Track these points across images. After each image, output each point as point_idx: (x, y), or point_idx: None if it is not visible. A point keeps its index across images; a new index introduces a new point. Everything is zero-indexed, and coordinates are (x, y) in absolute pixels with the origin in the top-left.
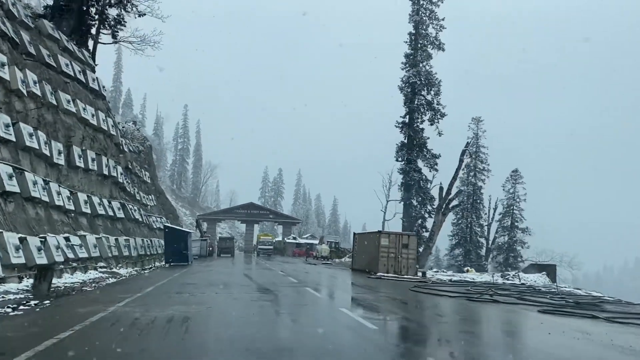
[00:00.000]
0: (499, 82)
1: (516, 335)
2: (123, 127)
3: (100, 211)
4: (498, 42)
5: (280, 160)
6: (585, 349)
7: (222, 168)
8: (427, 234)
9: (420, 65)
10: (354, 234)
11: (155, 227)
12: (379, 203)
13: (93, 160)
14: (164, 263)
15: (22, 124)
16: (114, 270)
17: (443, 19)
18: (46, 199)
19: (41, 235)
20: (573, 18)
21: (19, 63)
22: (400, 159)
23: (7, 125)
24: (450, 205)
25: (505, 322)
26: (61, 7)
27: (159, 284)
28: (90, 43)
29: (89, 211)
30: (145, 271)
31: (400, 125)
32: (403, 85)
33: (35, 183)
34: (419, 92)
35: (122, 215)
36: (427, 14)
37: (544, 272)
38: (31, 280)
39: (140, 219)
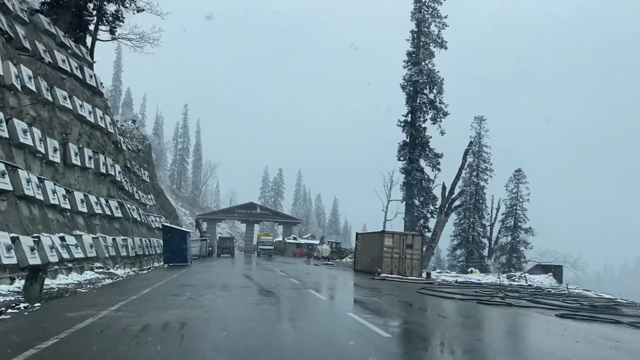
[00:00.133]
0: (499, 81)
1: (545, 345)
2: (122, 126)
3: (98, 210)
4: (498, 41)
5: (280, 159)
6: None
7: (222, 168)
8: (429, 234)
9: (423, 63)
10: (357, 233)
11: (154, 226)
12: (380, 203)
13: (90, 158)
14: (162, 263)
15: (16, 120)
16: (111, 270)
17: (446, 17)
18: (41, 197)
19: (35, 235)
20: (573, 18)
21: (13, 58)
22: (402, 158)
23: None
24: (453, 205)
25: (528, 329)
26: (58, 3)
27: (156, 285)
28: (89, 41)
29: (85, 210)
30: (144, 272)
31: (402, 124)
32: (405, 83)
33: (29, 181)
34: (421, 90)
35: (120, 215)
36: (430, 12)
37: (550, 273)
38: (23, 282)
39: (139, 219)
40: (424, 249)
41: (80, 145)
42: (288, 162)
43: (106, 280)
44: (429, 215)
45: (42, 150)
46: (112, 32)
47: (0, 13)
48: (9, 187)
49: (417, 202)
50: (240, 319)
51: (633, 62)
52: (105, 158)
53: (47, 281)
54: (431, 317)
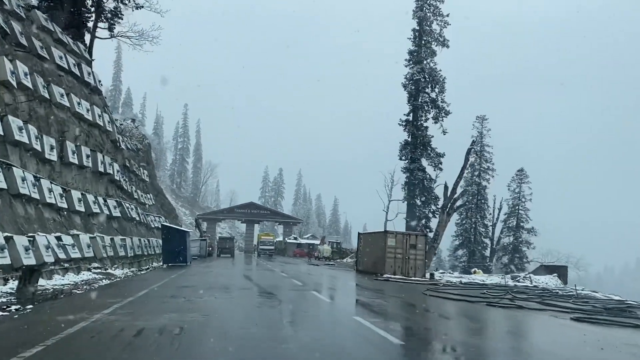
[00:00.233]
0: (499, 81)
1: (572, 353)
2: (121, 125)
3: (95, 209)
4: (498, 41)
5: (281, 159)
6: None
7: (222, 168)
8: (431, 234)
9: (425, 62)
10: (359, 233)
11: (153, 226)
12: (381, 203)
13: (88, 156)
14: (161, 264)
15: (10, 117)
16: (109, 271)
17: (447, 15)
18: (37, 196)
19: (29, 234)
20: (573, 17)
21: (9, 54)
22: (403, 158)
23: None
24: (455, 205)
25: (547, 334)
26: None
27: (153, 286)
28: (88, 39)
29: (82, 209)
30: (142, 272)
31: (403, 123)
32: (407, 82)
33: (24, 179)
34: (423, 89)
35: (119, 214)
36: (432, 10)
37: (555, 274)
38: (17, 283)
39: (138, 218)
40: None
41: (78, 144)
42: (288, 162)
43: (103, 281)
44: (430, 215)
45: (38, 148)
46: (110, 29)
47: None
48: (3, 185)
49: (418, 202)
50: (241, 324)
51: (633, 62)
52: (103, 156)
53: (42, 282)
54: (441, 321)
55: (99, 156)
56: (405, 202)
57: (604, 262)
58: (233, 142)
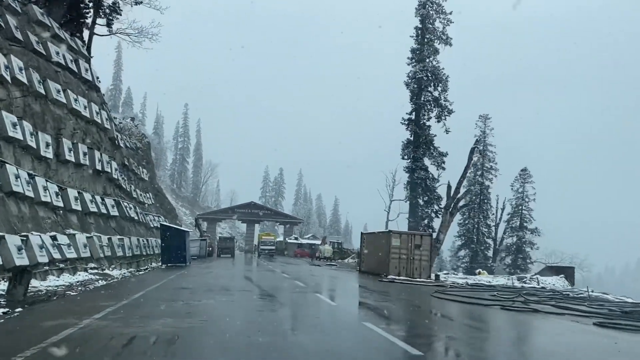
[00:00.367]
0: (499, 81)
1: None
2: (120, 123)
3: (92, 208)
4: (498, 40)
5: (281, 159)
6: None
7: (223, 167)
8: (434, 235)
9: (427, 60)
10: (362, 233)
11: (152, 226)
12: (382, 203)
13: (85, 154)
14: (160, 264)
15: (4, 113)
16: (106, 271)
17: (450, 13)
18: (31, 194)
19: (23, 234)
20: (574, 17)
21: (3, 48)
22: (406, 157)
23: None
24: (459, 205)
25: (577, 342)
26: None
27: (150, 288)
28: (86, 35)
29: (79, 208)
30: (140, 273)
31: (406, 122)
32: (409, 80)
33: (17, 177)
34: (425, 88)
35: (117, 213)
36: (434, 8)
37: (562, 275)
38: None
39: (137, 218)
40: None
41: (75, 141)
42: (288, 162)
43: (99, 282)
44: (433, 215)
45: (33, 145)
46: (109, 24)
47: None
48: None
49: (421, 202)
50: (242, 330)
51: (633, 62)
52: (101, 154)
53: (36, 283)
54: (459, 327)
55: (97, 154)
56: (408, 202)
57: (605, 263)
58: (233, 142)
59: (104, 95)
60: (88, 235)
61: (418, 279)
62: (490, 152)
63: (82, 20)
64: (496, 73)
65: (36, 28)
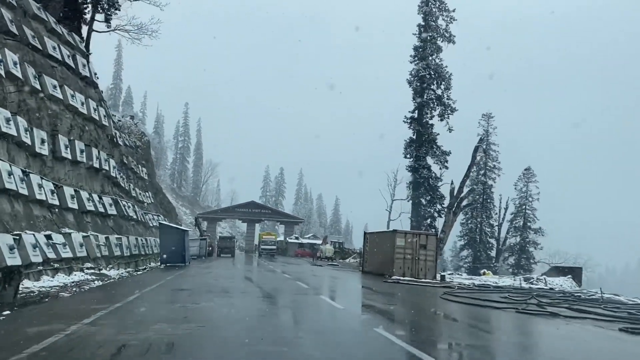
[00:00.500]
0: (499, 80)
1: None
2: (119, 121)
3: (90, 207)
4: (498, 40)
5: (281, 159)
6: None
7: (223, 167)
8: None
9: (430, 58)
10: (365, 233)
11: (151, 225)
12: (383, 203)
13: (82, 151)
14: (159, 264)
15: None
16: (103, 271)
17: (454, 10)
18: (25, 192)
19: (15, 233)
20: (574, 17)
21: None
22: (408, 156)
23: None
24: (462, 205)
25: (612, 351)
26: None
27: (146, 289)
28: (85, 32)
29: (76, 206)
30: (139, 273)
31: (408, 121)
32: (412, 78)
33: (10, 174)
34: (428, 86)
35: (115, 212)
36: (437, 5)
37: (569, 276)
38: None
39: (135, 217)
40: None
41: (72, 138)
42: (289, 162)
43: (95, 282)
44: (436, 214)
45: (28, 141)
46: (107, 20)
47: None
48: None
49: (423, 201)
50: (243, 339)
51: (633, 62)
52: (99, 152)
53: (29, 283)
54: (478, 334)
55: (94, 151)
56: (410, 201)
57: (605, 263)
58: (233, 142)
59: (102, 92)
60: (85, 234)
61: (423, 280)
62: (494, 151)
63: (80, 16)
64: (496, 73)
65: (32, 22)
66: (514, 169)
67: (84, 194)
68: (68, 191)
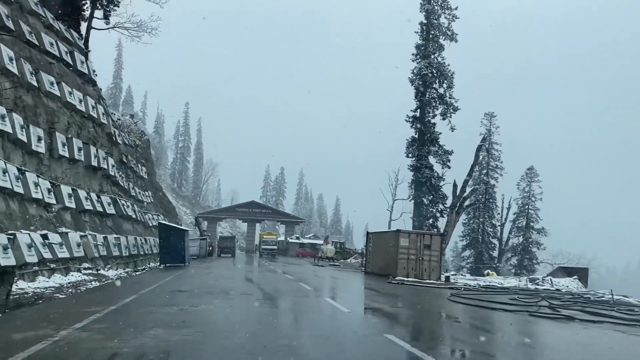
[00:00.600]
0: (499, 80)
1: None
2: (118, 120)
3: (88, 206)
4: (498, 40)
5: (282, 159)
6: None
7: (223, 167)
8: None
9: (432, 56)
10: (367, 233)
11: (151, 225)
12: (385, 202)
13: (80, 149)
14: (158, 264)
15: None
16: (101, 272)
17: (456, 8)
18: (20, 190)
19: (10, 232)
20: (574, 17)
21: None
22: (410, 155)
23: None
24: (465, 204)
25: None
26: None
27: (144, 291)
28: (84, 29)
29: (73, 206)
30: (137, 273)
31: (410, 120)
32: (414, 77)
33: (5, 171)
34: (430, 84)
35: (113, 211)
36: (439, 3)
37: (575, 277)
38: None
39: (134, 216)
40: None
41: (69, 136)
42: (289, 162)
43: (92, 283)
44: (438, 214)
45: (24, 138)
46: (106, 17)
47: None
48: None
49: (425, 201)
50: (245, 347)
51: (633, 62)
52: (97, 150)
53: (24, 284)
54: (495, 340)
55: (92, 150)
56: (412, 201)
57: (605, 263)
58: (234, 142)
59: (101, 90)
60: (82, 233)
61: (427, 281)
62: (496, 151)
63: (78, 13)
64: (496, 72)
65: (29, 18)
66: (514, 169)
67: (82, 193)
68: (65, 190)
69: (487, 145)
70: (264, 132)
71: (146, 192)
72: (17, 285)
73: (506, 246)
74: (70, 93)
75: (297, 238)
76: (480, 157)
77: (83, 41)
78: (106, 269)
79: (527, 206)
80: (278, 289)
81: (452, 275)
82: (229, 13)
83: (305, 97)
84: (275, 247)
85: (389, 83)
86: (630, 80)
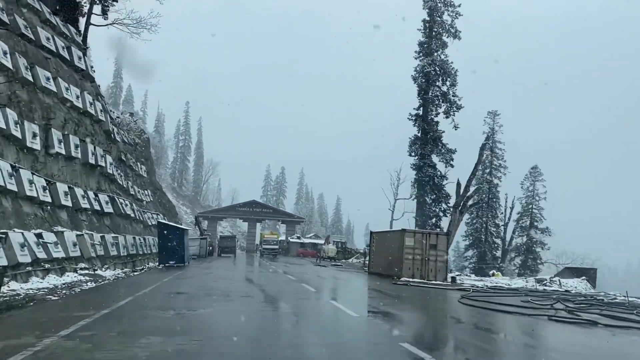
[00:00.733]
0: (499, 80)
1: None
2: (117, 118)
3: (85, 204)
4: (497, 40)
5: (282, 159)
6: None
7: (224, 166)
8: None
9: (435, 54)
10: (371, 232)
11: (150, 224)
12: (385, 202)
13: (77, 146)
14: (157, 264)
15: None
16: (98, 272)
17: (459, 5)
18: (14, 188)
19: (1, 231)
20: (574, 17)
21: None
22: (413, 154)
23: None
24: (468, 204)
25: None
26: None
27: (140, 293)
28: (82, 26)
29: (69, 204)
30: (136, 273)
31: (413, 118)
32: (417, 75)
33: None
34: (433, 82)
35: (111, 210)
36: (442, 0)
37: (583, 277)
38: None
39: (133, 215)
40: None
41: (66, 132)
42: (289, 162)
43: (88, 284)
44: (441, 213)
45: (18, 134)
46: (104, 12)
47: None
48: None
49: (428, 200)
50: (247, 358)
51: (634, 62)
52: (94, 147)
53: (15, 285)
54: (529, 353)
55: (90, 147)
56: (415, 200)
57: (607, 263)
58: (234, 141)
59: (99, 86)
60: (79, 233)
61: (434, 282)
62: (499, 150)
63: (76, 8)
64: (496, 72)
65: (25, 12)
66: (514, 169)
67: (79, 191)
68: (61, 188)
69: (490, 144)
70: (264, 131)
71: (145, 191)
72: (8, 287)
73: (509, 246)
74: (66, 89)
75: (298, 238)
76: (484, 156)
77: (81, 37)
78: (103, 269)
79: (531, 205)
80: (280, 290)
81: (457, 275)
82: (229, 13)
83: (305, 97)
84: (276, 246)
85: (389, 82)
86: (630, 80)
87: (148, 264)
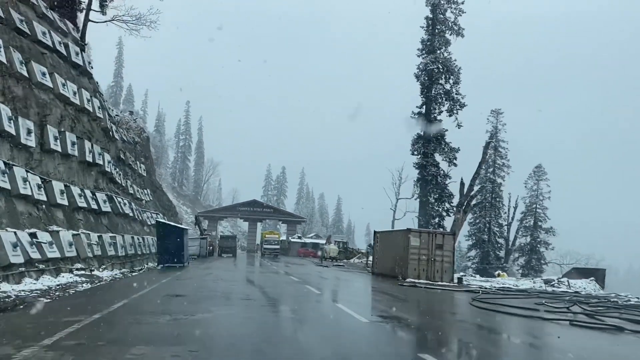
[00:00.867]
0: (499, 80)
1: None
2: (117, 116)
3: (81, 203)
4: (498, 40)
5: (282, 159)
6: None
7: (224, 166)
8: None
9: (438, 51)
10: (375, 232)
11: (149, 223)
12: (386, 202)
13: (74, 144)
14: (156, 264)
15: None
16: (95, 272)
17: (462, 3)
18: (7, 186)
19: None
20: (573, 17)
21: None
22: (415, 153)
23: None
24: (472, 203)
25: None
26: None
27: (135, 295)
28: (81, 24)
29: (66, 203)
30: (134, 273)
31: (416, 116)
32: (419, 72)
33: None
34: (436, 80)
35: (109, 209)
36: None
37: (592, 278)
38: None
39: (132, 214)
40: None
41: (62, 129)
42: (290, 161)
43: (83, 285)
44: (444, 213)
45: (12, 131)
46: (102, 7)
47: None
48: None
49: (431, 199)
50: None
51: (634, 62)
52: (92, 145)
53: (7, 287)
54: None
55: (87, 144)
56: (417, 200)
57: (608, 264)
58: (234, 141)
59: (97, 83)
60: (75, 232)
61: (440, 283)
62: (503, 149)
63: (74, 3)
64: (496, 72)
65: (20, 5)
66: (516, 168)
67: (76, 190)
68: (57, 186)
69: (494, 143)
70: (264, 131)
71: (145, 190)
72: None
73: (513, 246)
74: (63, 85)
75: (299, 237)
76: (488, 154)
77: (80, 34)
78: (100, 269)
79: (534, 205)
80: (283, 292)
81: (462, 275)
82: (229, 13)
83: (306, 97)
84: (277, 246)
85: (389, 82)
86: (630, 80)
87: (147, 265)
